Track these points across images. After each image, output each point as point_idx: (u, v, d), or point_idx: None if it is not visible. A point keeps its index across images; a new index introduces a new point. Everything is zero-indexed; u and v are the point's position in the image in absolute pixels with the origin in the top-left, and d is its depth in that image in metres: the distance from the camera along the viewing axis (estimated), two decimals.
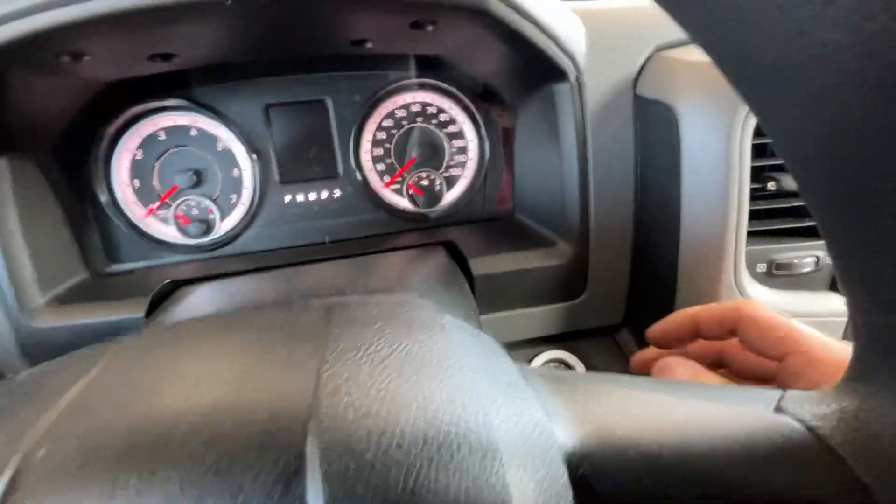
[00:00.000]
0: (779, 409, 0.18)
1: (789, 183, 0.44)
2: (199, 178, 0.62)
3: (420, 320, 0.21)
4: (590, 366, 0.58)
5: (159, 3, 0.32)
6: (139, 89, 0.57)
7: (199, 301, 0.49)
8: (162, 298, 0.52)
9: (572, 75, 0.50)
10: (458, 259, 0.55)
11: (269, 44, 0.48)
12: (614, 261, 0.56)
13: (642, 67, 0.51)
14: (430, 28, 0.43)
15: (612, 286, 0.57)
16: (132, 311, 0.50)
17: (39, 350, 0.49)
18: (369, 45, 0.50)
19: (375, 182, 0.67)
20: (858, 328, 0.17)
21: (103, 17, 0.33)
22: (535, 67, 0.51)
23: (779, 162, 0.45)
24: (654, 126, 0.50)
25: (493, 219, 0.69)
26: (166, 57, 0.46)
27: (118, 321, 0.49)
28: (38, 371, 0.20)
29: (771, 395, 0.19)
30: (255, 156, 0.62)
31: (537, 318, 0.57)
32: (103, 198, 0.59)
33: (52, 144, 0.53)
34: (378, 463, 0.13)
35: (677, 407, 0.18)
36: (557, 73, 0.50)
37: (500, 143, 0.67)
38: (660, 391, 0.20)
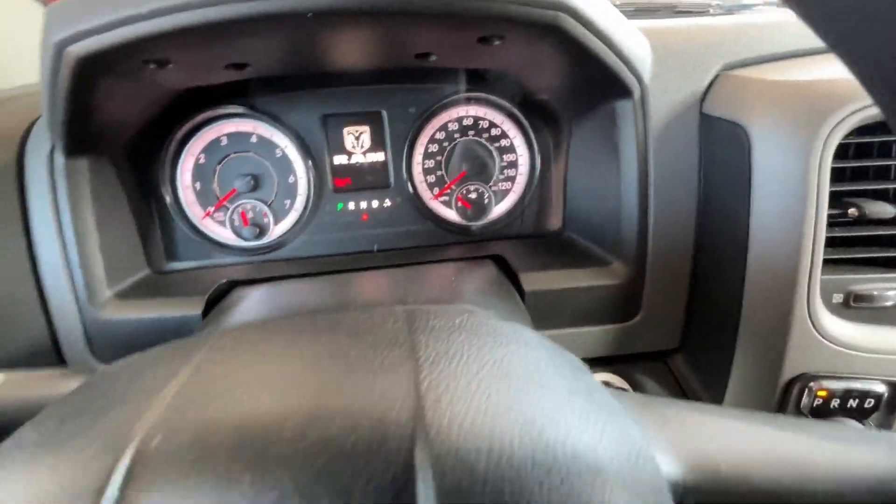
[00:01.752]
0: None
1: (873, 210, 0.41)
2: (256, 183, 0.64)
3: (503, 333, 0.20)
4: (640, 391, 0.56)
5: (246, 13, 0.33)
6: (206, 97, 0.59)
7: (255, 303, 0.50)
8: (218, 298, 0.53)
9: (636, 92, 0.49)
10: (508, 274, 0.55)
11: (338, 55, 0.50)
12: (671, 283, 0.54)
13: (710, 85, 0.50)
14: (496, 43, 0.44)
15: (667, 310, 0.55)
16: (190, 308, 0.51)
17: (103, 340, 0.51)
18: (433, 58, 0.51)
19: (425, 193, 0.67)
20: None
21: (193, 28, 0.35)
22: (599, 84, 0.50)
23: (862, 187, 0.42)
24: (721, 145, 0.48)
25: (541, 235, 0.68)
26: (240, 66, 0.48)
27: (176, 318, 0.51)
28: (130, 364, 0.20)
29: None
30: (310, 163, 0.64)
31: (588, 338, 0.55)
32: (167, 198, 0.62)
33: (124, 147, 0.56)
34: (490, 480, 0.13)
35: (792, 444, 0.17)
36: (621, 91, 0.49)
37: (552, 160, 0.67)
38: (762, 424, 0.19)
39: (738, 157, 0.45)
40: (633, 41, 0.46)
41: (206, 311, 0.51)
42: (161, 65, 0.42)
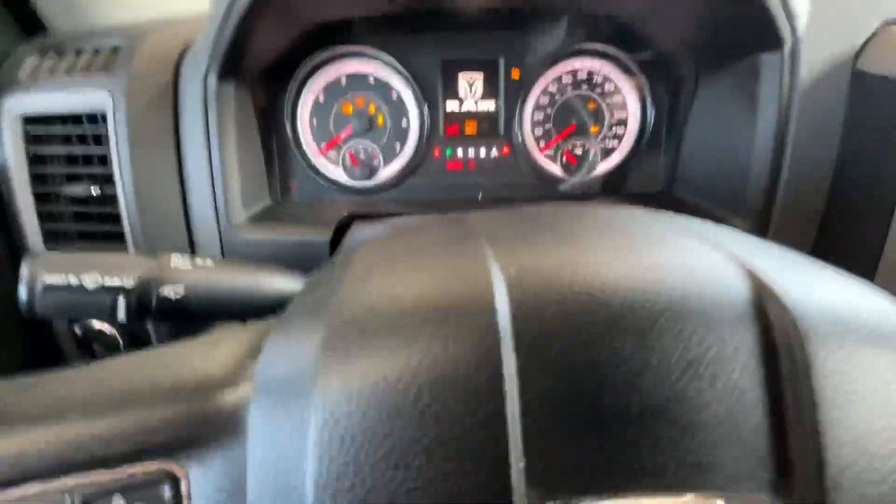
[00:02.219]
0: None
1: None
2: (369, 125, 0.65)
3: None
4: None
5: None
6: (330, 36, 0.61)
7: (373, 231, 0.52)
8: (341, 229, 0.56)
9: (788, 44, 0.47)
10: None
11: None
12: (795, 246, 0.53)
13: (867, 41, 0.48)
14: None
15: None
16: (319, 234, 0.54)
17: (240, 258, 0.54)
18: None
19: (532, 146, 0.67)
20: None
21: None
22: (746, 34, 0.49)
23: None
24: (877, 105, 0.46)
25: (646, 195, 0.67)
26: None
27: (306, 241, 0.53)
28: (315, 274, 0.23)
29: None
30: (425, 108, 0.64)
31: None
32: (288, 132, 0.64)
33: (259, 76, 0.58)
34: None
35: None
36: (772, 42, 0.47)
37: (664, 117, 0.66)
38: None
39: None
40: None
41: (334, 239, 0.53)
42: None
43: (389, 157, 0.67)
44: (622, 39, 0.62)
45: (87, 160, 0.53)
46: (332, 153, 0.66)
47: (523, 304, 0.15)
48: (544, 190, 0.68)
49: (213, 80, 0.50)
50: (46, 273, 0.27)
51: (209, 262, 0.32)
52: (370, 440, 0.14)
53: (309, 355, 0.16)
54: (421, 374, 0.14)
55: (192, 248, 0.55)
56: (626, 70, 0.65)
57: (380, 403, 0.14)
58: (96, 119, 0.51)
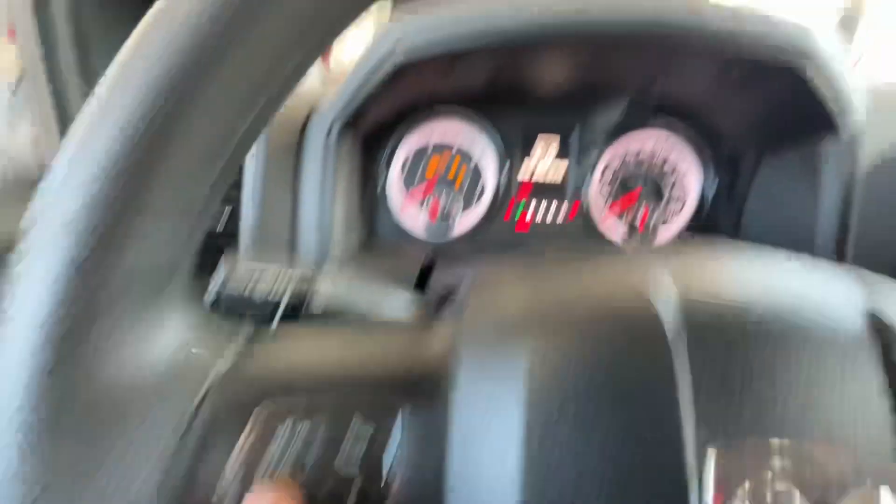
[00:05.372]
0: None
1: None
2: (450, 184, 0.73)
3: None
4: None
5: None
6: (429, 101, 0.70)
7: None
8: (425, 273, 0.61)
9: (847, 132, 0.53)
10: None
11: (574, 76, 0.58)
12: None
13: None
14: (733, 74, 0.50)
15: None
16: (403, 275, 0.59)
17: None
18: (658, 84, 0.58)
19: (596, 212, 0.73)
20: None
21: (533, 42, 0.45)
22: (805, 120, 0.55)
23: None
24: None
25: None
26: (497, 77, 0.58)
27: (392, 276, 0.59)
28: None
29: None
30: (504, 171, 0.72)
31: None
32: (379, 185, 0.72)
33: (365, 136, 0.67)
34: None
35: None
36: (831, 129, 0.53)
37: (725, 194, 0.71)
38: None
39: None
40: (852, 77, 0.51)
41: (419, 281, 0.59)
42: (446, 73, 0.53)
43: (465, 214, 0.73)
44: (687, 118, 0.69)
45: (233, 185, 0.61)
46: (414, 208, 0.74)
47: (691, 307, 0.19)
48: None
49: (334, 137, 0.59)
50: (230, 282, 0.32)
51: (351, 281, 0.37)
52: (577, 382, 0.18)
53: (516, 319, 0.20)
54: (615, 340, 0.18)
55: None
56: (688, 145, 0.72)
57: (583, 354, 0.18)
58: None
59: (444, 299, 0.46)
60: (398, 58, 0.48)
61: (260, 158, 0.57)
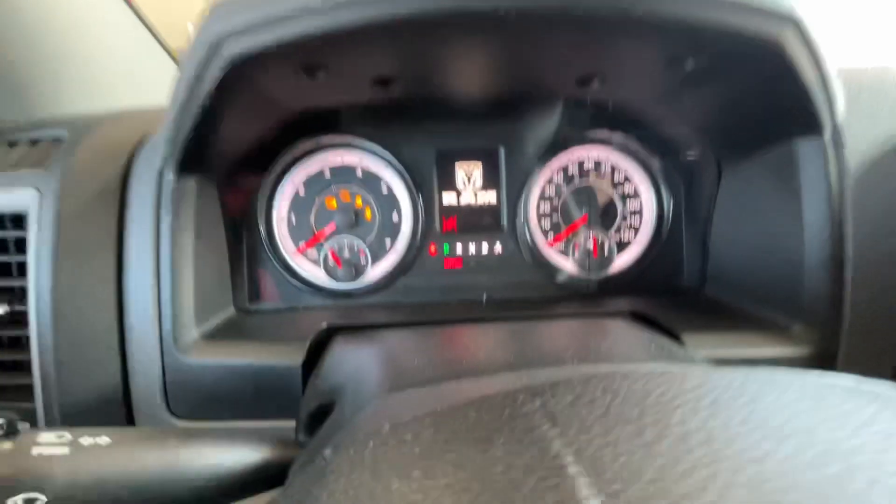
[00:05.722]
0: None
1: None
2: (356, 220, 0.58)
3: None
4: None
5: (456, 8, 0.28)
6: (315, 126, 0.55)
7: (363, 356, 0.41)
8: (317, 345, 0.45)
9: (828, 130, 0.42)
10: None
11: (493, 72, 0.45)
12: (873, 358, 0.44)
13: None
14: (687, 67, 0.38)
15: None
16: (288, 356, 0.43)
17: (183, 389, 0.43)
18: (595, 85, 0.45)
19: (539, 240, 0.60)
20: None
21: (377, 24, 0.30)
22: (775, 118, 0.44)
23: None
24: None
25: (672, 292, 0.59)
26: (386, 82, 0.43)
27: (271, 366, 0.43)
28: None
29: None
30: (419, 201, 0.58)
31: None
32: (261, 230, 0.56)
33: (228, 170, 0.51)
34: None
35: None
36: (808, 127, 0.42)
37: (683, 207, 0.60)
38: None
39: None
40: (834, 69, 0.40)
41: (309, 360, 0.43)
42: (311, 72, 0.37)
43: (378, 255, 0.58)
44: (633, 125, 0.58)
45: (5, 270, 0.43)
46: (312, 252, 0.58)
47: None
48: (555, 290, 0.59)
49: (169, 175, 0.42)
50: None
51: (103, 438, 0.22)
52: None
53: None
54: None
55: (125, 378, 0.43)
56: (636, 157, 0.60)
57: None
58: (22, 222, 0.42)
59: (316, 420, 0.30)
60: (226, 55, 0.32)
61: (48, 213, 0.40)
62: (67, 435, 0.21)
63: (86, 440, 0.21)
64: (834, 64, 0.40)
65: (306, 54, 0.34)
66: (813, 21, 0.35)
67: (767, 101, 0.42)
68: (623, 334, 0.42)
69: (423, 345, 0.39)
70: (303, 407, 0.33)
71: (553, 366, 0.28)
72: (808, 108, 0.40)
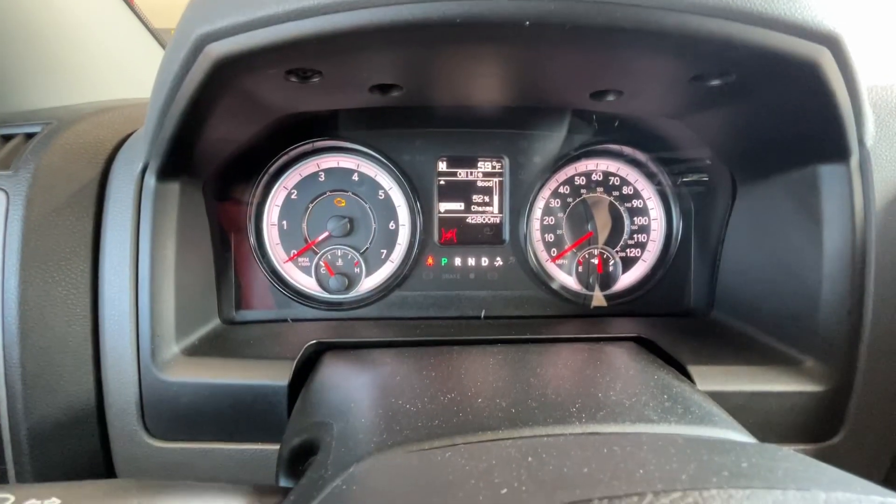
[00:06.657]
0: None
1: None
2: (351, 227, 0.55)
3: None
4: None
5: (463, 13, 0.26)
6: (310, 129, 0.52)
7: (351, 388, 0.39)
8: (305, 363, 0.43)
9: (855, 156, 0.40)
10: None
11: (503, 84, 0.42)
12: (888, 395, 0.42)
13: None
14: (713, 83, 0.35)
15: (881, 428, 0.42)
16: (273, 375, 0.40)
17: (161, 409, 0.40)
18: (610, 97, 0.43)
19: (541, 255, 0.57)
20: None
21: (374, 29, 0.27)
22: (799, 142, 0.41)
23: None
24: None
25: (677, 314, 0.57)
26: (386, 89, 0.40)
27: (255, 385, 0.40)
28: None
29: None
30: (417, 210, 0.55)
31: None
32: (251, 237, 0.53)
33: (216, 174, 0.48)
34: None
35: None
36: (834, 151, 0.40)
37: (693, 226, 0.57)
38: None
39: None
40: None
41: (294, 381, 0.40)
42: (304, 78, 0.34)
43: (373, 265, 0.56)
44: (647, 140, 0.55)
45: None
46: (304, 260, 0.55)
47: None
48: (556, 308, 0.57)
49: (151, 178, 0.39)
50: None
51: (52, 500, 0.19)
52: None
53: None
54: None
55: (99, 395, 0.41)
56: (646, 172, 0.58)
57: None
58: None
59: (299, 458, 0.27)
60: (212, 56, 0.29)
61: (15, 217, 0.36)
62: (11, 497, 0.18)
63: (32, 503, 0.18)
64: (866, 84, 0.38)
65: (298, 59, 0.31)
66: (852, 40, 0.32)
67: (793, 121, 0.40)
68: (632, 376, 0.39)
69: (416, 378, 0.36)
70: (285, 442, 0.31)
71: (558, 424, 0.25)
72: (836, 131, 0.38)
